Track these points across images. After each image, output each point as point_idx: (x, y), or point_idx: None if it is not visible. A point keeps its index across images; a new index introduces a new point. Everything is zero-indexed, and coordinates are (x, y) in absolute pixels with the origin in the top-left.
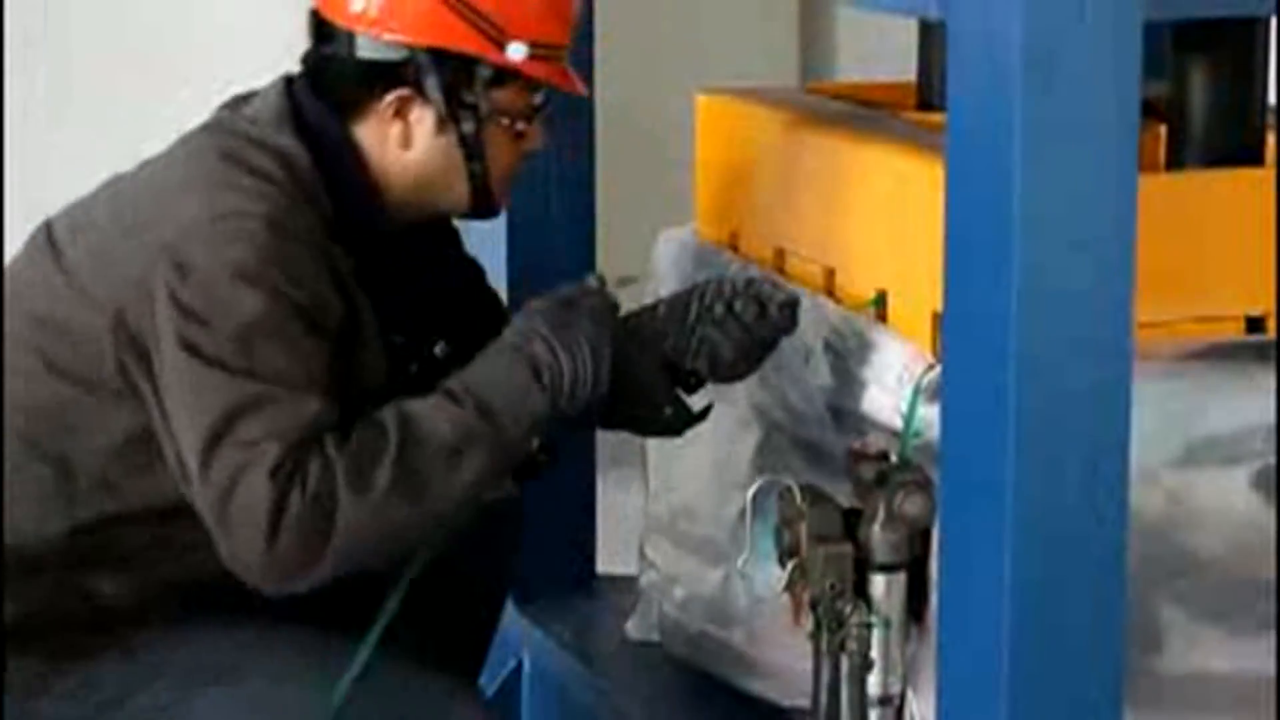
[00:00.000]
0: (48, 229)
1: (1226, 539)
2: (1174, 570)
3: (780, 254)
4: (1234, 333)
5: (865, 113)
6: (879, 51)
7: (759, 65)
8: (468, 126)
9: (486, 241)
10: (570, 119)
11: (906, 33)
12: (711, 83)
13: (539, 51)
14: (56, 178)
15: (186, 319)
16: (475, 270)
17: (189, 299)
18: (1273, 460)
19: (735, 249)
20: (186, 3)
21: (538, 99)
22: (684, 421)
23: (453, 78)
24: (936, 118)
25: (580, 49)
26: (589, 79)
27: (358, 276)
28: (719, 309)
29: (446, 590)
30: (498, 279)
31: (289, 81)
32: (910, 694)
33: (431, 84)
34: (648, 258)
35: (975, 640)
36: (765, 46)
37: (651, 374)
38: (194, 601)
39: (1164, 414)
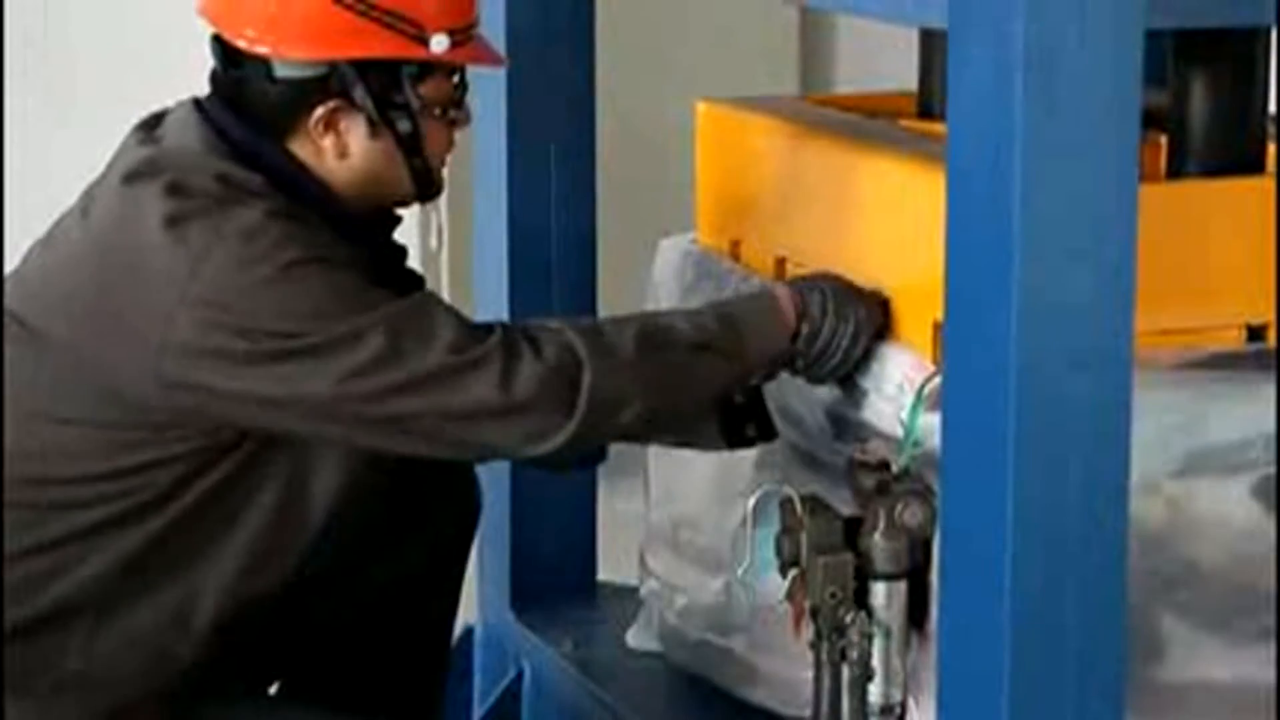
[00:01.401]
0: (18, 322)
1: (1227, 548)
2: (1174, 580)
3: (781, 263)
4: (1235, 342)
5: (866, 122)
6: (879, 61)
7: (759, 74)
8: (403, 125)
9: (488, 248)
10: (571, 127)
11: (906, 42)
12: (712, 92)
13: (457, 37)
14: (57, 178)
15: (256, 338)
16: (419, 284)
17: (236, 323)
18: (1273, 470)
19: (736, 258)
20: (187, 3)
21: (458, 79)
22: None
23: (379, 83)
24: (937, 127)
25: (580, 57)
26: (589, 87)
27: None
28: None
29: (395, 631)
30: (499, 286)
31: (199, 107)
32: (911, 703)
33: (359, 93)
34: (648, 266)
35: (976, 649)
36: (766, 55)
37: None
38: None
39: (1164, 423)
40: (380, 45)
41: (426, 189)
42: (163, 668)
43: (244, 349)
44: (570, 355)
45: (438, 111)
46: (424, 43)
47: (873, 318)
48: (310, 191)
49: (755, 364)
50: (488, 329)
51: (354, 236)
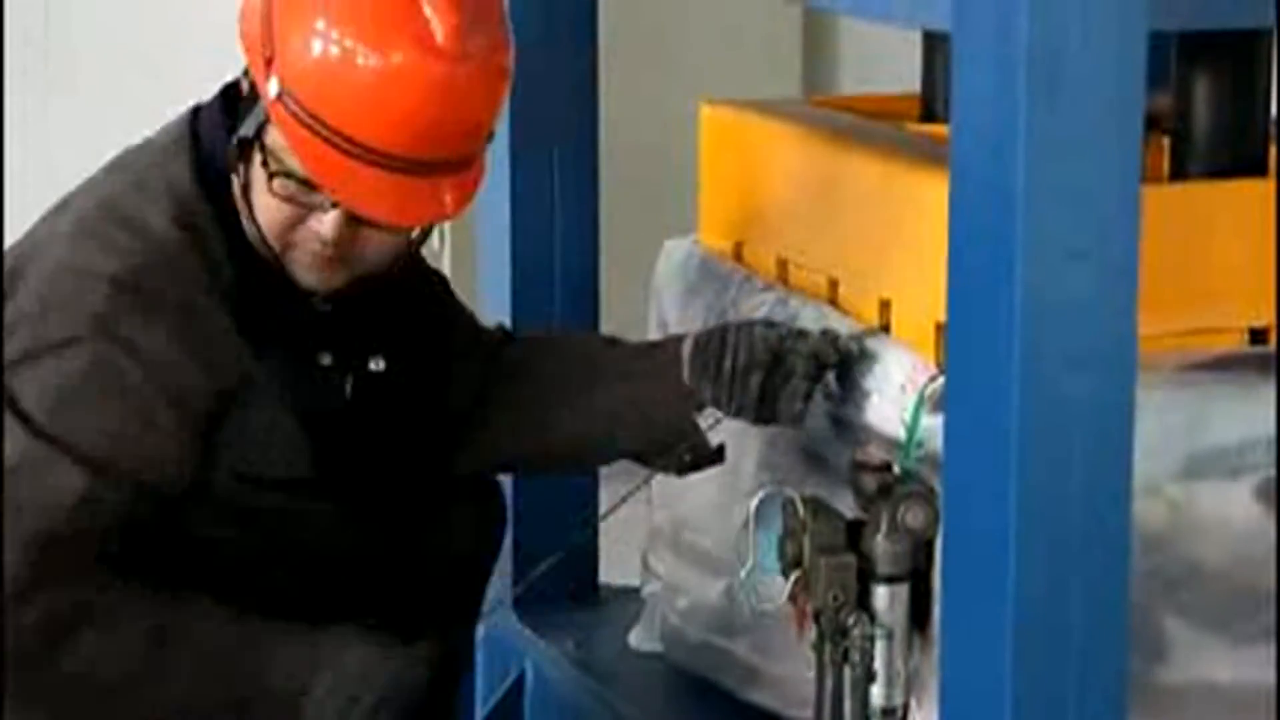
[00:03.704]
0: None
1: (1229, 550)
2: (1177, 581)
3: (784, 264)
4: (1237, 344)
5: (869, 124)
6: (882, 63)
7: (763, 76)
8: (234, 154)
9: (490, 250)
10: (574, 128)
11: (909, 44)
12: (715, 93)
13: (309, 118)
14: (57, 178)
15: (15, 362)
16: (425, 282)
17: (20, 340)
18: (1274, 472)
19: (739, 259)
20: (188, 3)
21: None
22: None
23: (247, 95)
24: (940, 129)
25: (583, 58)
26: (593, 88)
27: (265, 311)
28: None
29: (430, 564)
30: (501, 289)
31: (195, 110)
32: (913, 705)
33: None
34: (651, 268)
35: (978, 651)
36: (769, 58)
37: (680, 416)
38: None
39: (1166, 425)
40: (247, 46)
41: (269, 259)
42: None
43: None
44: (74, 608)
45: (263, 160)
46: (269, 68)
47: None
48: (227, 206)
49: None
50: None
51: (264, 271)
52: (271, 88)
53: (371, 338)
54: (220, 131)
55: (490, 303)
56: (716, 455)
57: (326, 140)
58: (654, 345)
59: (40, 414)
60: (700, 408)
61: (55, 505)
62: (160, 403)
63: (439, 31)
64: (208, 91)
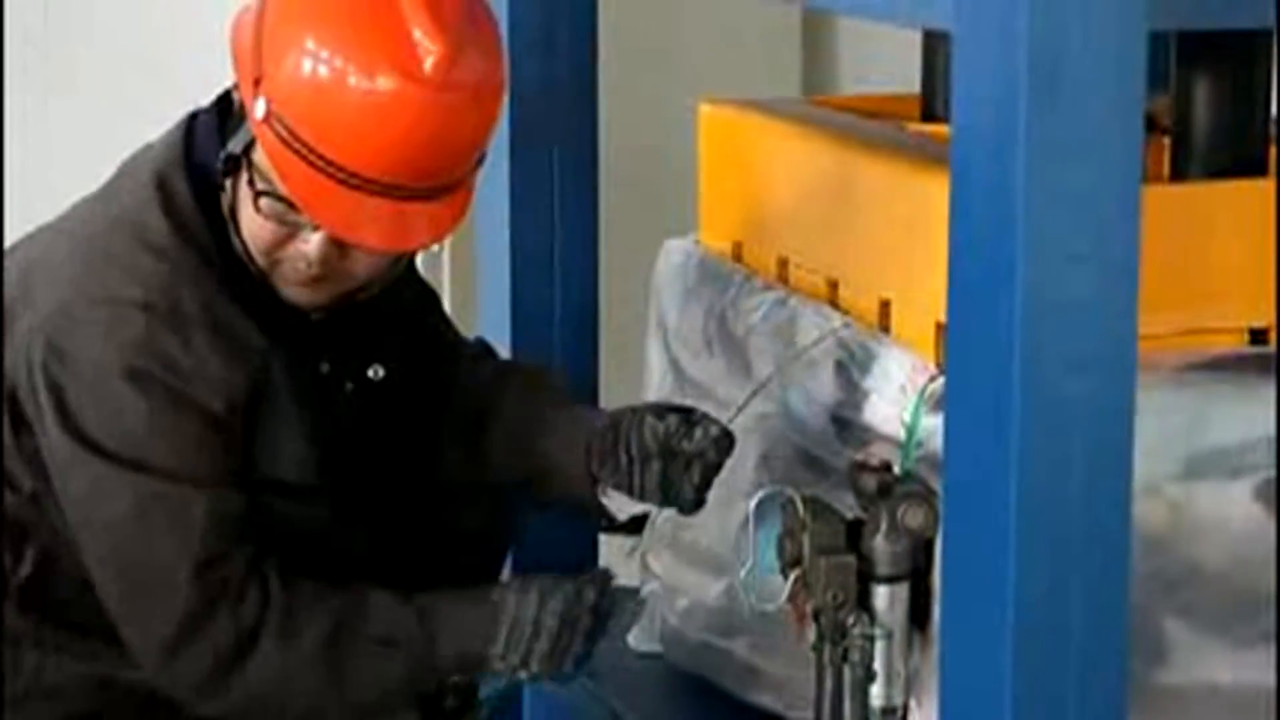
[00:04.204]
0: None
1: (1229, 551)
2: (1177, 582)
3: (783, 264)
4: (1237, 345)
5: (869, 124)
6: (882, 62)
7: (762, 76)
8: (221, 166)
9: (490, 251)
10: (573, 128)
11: (908, 44)
12: (714, 93)
13: (294, 141)
14: (57, 178)
15: (67, 407)
16: (420, 291)
17: (71, 388)
18: (1275, 473)
19: (738, 259)
20: (189, 2)
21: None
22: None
23: (237, 110)
24: (940, 129)
25: (582, 57)
26: (592, 87)
27: (263, 322)
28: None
29: (446, 547)
30: (501, 289)
31: (192, 117)
32: (913, 706)
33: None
34: (651, 268)
35: (978, 652)
36: (768, 57)
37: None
38: None
39: (1167, 426)
40: (241, 70)
41: (244, 279)
42: (112, 685)
43: (54, 402)
44: (248, 631)
45: (249, 178)
46: (257, 88)
47: (591, 630)
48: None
49: (445, 667)
50: (227, 561)
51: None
52: (258, 108)
53: (369, 346)
54: (213, 142)
55: (490, 303)
56: (632, 526)
57: (310, 164)
58: (579, 413)
59: (111, 442)
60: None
61: (187, 528)
62: (219, 407)
63: (427, 59)
64: (208, 92)
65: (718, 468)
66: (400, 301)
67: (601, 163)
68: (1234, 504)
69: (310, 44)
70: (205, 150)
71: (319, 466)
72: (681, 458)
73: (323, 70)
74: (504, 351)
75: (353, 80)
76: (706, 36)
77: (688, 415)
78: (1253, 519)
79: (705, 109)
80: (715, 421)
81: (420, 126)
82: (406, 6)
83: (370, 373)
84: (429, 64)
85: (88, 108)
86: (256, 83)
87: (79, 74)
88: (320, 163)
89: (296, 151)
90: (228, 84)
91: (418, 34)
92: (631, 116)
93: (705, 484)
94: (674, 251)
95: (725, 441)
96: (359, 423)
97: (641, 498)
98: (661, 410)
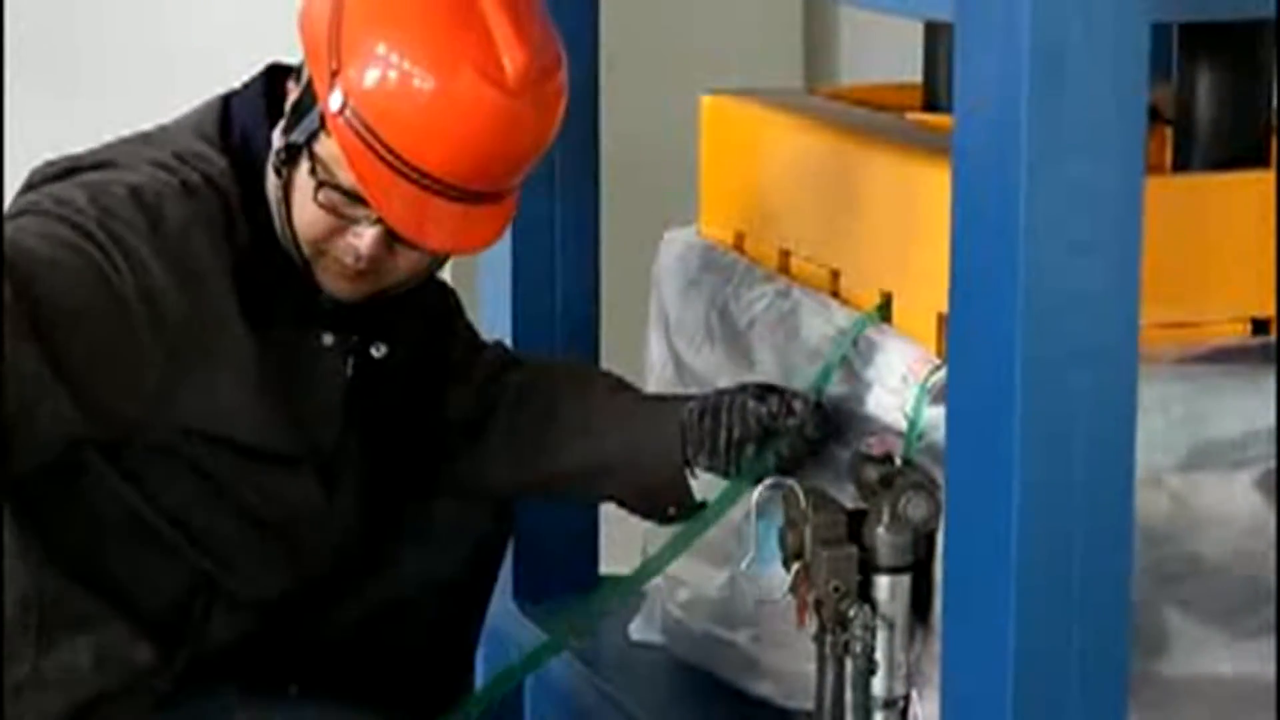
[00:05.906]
0: None
1: (1231, 542)
2: (1178, 574)
3: (785, 255)
4: (1239, 335)
5: (870, 114)
6: (883, 53)
7: (763, 66)
8: (280, 155)
9: (490, 250)
10: (574, 119)
11: (910, 35)
12: (716, 84)
13: (369, 135)
14: None
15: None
16: (435, 284)
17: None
18: (1276, 464)
19: (740, 250)
20: (190, 3)
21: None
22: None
23: (297, 99)
24: (942, 119)
25: (584, 48)
26: (593, 87)
27: (272, 293)
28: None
29: (422, 634)
30: (502, 288)
31: (227, 97)
32: (914, 696)
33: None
34: (652, 259)
35: (979, 642)
36: (769, 48)
37: (672, 477)
38: None
39: (1168, 417)
40: (309, 53)
41: (301, 258)
42: (121, 669)
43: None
44: None
45: (310, 168)
46: (334, 80)
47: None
48: (255, 193)
49: None
50: None
51: (279, 256)
52: (334, 100)
53: (375, 324)
54: (257, 120)
55: (491, 301)
56: (700, 507)
57: (384, 160)
58: (656, 399)
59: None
60: (693, 471)
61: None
62: (130, 284)
63: (509, 65)
64: (209, 92)
65: (814, 440)
66: (412, 289)
67: (602, 154)
68: (1235, 495)
69: (394, 43)
70: (245, 128)
71: (292, 434)
72: (782, 436)
73: (406, 68)
74: (505, 343)
75: (435, 81)
76: (707, 27)
77: (781, 394)
78: (1254, 510)
79: (706, 100)
80: (801, 395)
81: (495, 130)
82: (490, 12)
83: (373, 350)
84: (510, 70)
85: (88, 108)
86: (334, 74)
87: (80, 74)
88: (393, 159)
89: (371, 146)
90: (230, 83)
91: (500, 40)
92: (632, 107)
93: (798, 457)
94: (675, 242)
95: (819, 414)
96: (355, 397)
97: (737, 477)
98: (760, 391)
